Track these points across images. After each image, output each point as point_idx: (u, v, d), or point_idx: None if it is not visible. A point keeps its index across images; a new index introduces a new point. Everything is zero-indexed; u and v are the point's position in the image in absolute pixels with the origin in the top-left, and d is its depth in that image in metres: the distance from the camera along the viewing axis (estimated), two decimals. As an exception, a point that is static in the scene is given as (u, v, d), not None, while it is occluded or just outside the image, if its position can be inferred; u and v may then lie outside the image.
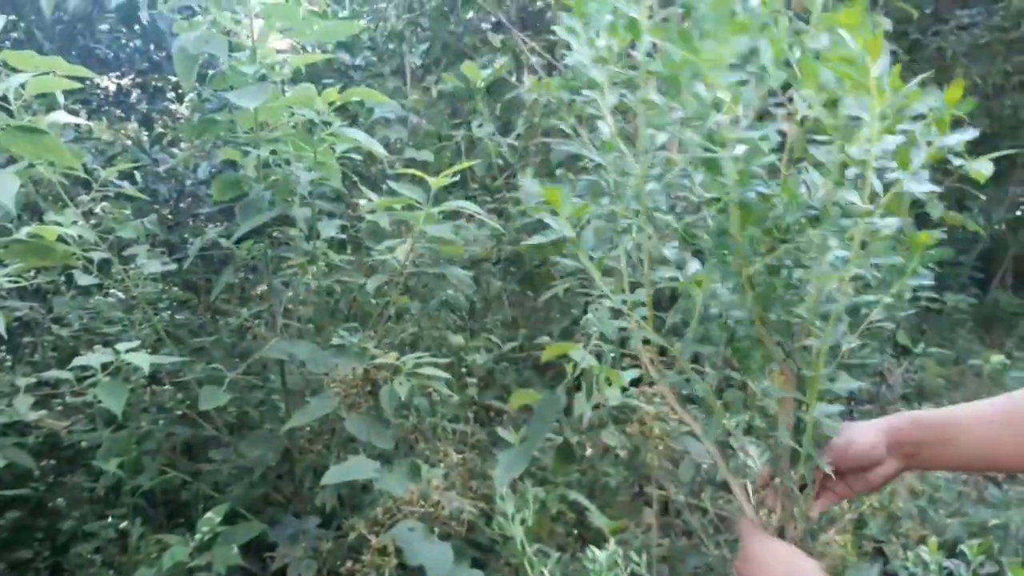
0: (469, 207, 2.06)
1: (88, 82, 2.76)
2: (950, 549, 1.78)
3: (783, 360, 0.82)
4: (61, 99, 2.00)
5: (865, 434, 0.91)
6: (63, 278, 2.23)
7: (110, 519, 1.98)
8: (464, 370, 2.39)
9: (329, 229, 1.99)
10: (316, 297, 2.26)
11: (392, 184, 2.04)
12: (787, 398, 0.83)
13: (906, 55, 4.90)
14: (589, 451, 2.03)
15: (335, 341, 1.87)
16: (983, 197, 3.00)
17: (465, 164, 2.20)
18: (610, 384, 1.60)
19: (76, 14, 2.86)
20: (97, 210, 2.03)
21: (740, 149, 0.71)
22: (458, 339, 2.48)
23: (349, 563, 1.55)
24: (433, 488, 1.54)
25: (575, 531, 1.84)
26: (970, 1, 5.29)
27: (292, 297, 2.31)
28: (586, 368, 1.61)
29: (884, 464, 0.93)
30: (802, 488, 0.86)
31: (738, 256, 0.75)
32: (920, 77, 0.73)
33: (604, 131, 0.81)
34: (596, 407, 1.66)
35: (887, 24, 3.55)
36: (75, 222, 1.86)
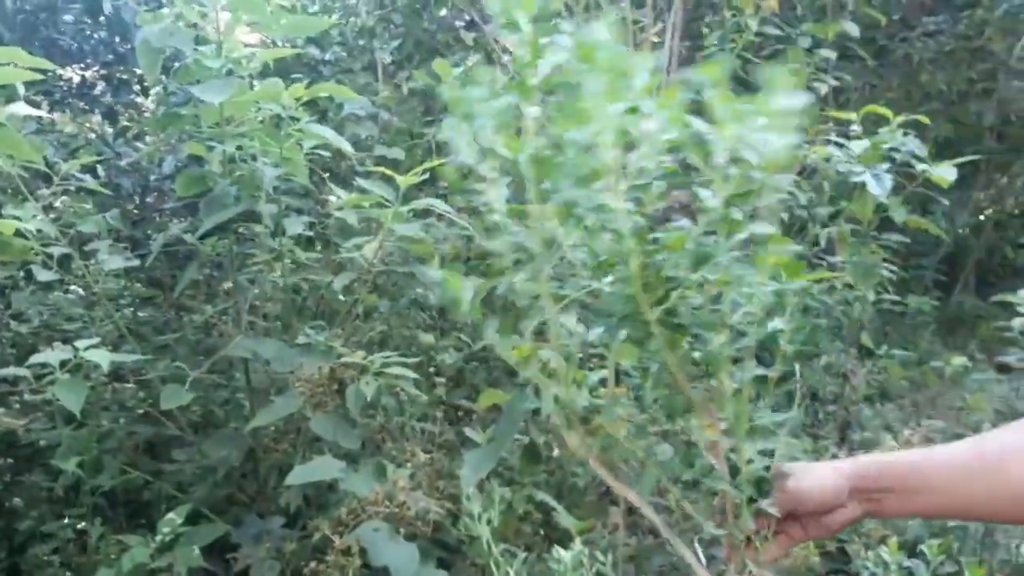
0: (439, 205, 2.05)
1: (51, 73, 2.70)
2: (911, 549, 1.81)
3: (705, 403, 0.81)
4: (21, 90, 1.95)
5: (824, 477, 0.86)
6: (22, 273, 2.19)
7: (68, 519, 1.94)
8: (433, 369, 2.37)
9: (295, 226, 1.97)
10: (283, 295, 2.23)
11: (361, 181, 2.02)
12: (718, 443, 0.80)
13: (873, 60, 4.97)
14: (556, 452, 2.03)
15: (301, 339, 1.85)
16: (946, 202, 3.05)
17: (436, 163, 2.19)
18: (577, 385, 1.59)
19: (39, 4, 2.81)
20: (57, 204, 1.99)
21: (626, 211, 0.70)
22: (428, 338, 2.47)
23: (313, 564, 1.53)
24: (399, 488, 1.53)
25: (542, 531, 1.84)
26: (937, 9, 5.38)
27: (258, 294, 2.29)
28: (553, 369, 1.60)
29: (846, 508, 0.88)
30: (750, 537, 0.82)
31: (638, 313, 0.75)
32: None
33: (495, 218, 0.79)
34: (563, 407, 1.66)
35: (855, 30, 3.60)
36: (35, 216, 1.82)
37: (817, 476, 0.86)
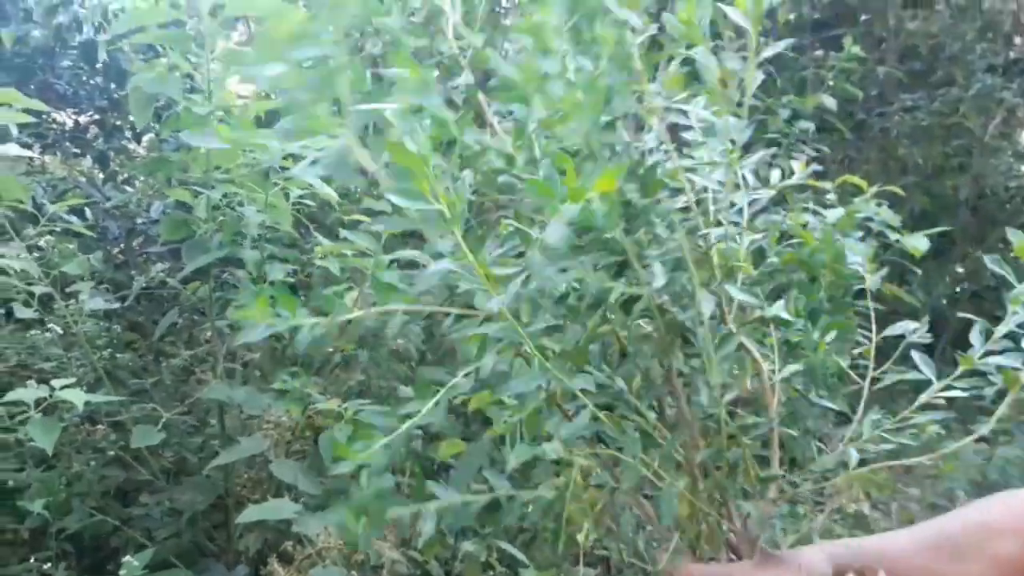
0: (422, 257, 2.07)
1: (45, 116, 2.75)
2: None
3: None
4: (15, 131, 1.99)
5: (813, 557, 0.87)
6: (2, 311, 2.19)
7: (32, 563, 1.91)
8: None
9: (278, 272, 1.99)
10: (262, 342, 2.23)
11: (345, 232, 2.05)
12: None
13: (851, 133, 5.11)
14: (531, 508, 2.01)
15: (276, 385, 1.85)
16: (919, 272, 3.12)
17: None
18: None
19: (38, 48, 2.86)
20: (42, 243, 2.01)
21: None
22: (406, 390, 2.47)
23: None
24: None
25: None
26: (913, 86, 5.55)
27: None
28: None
29: None
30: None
31: None
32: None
33: None
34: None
35: (832, 103, 3.71)
36: (19, 255, 1.84)
37: (802, 557, 0.87)
